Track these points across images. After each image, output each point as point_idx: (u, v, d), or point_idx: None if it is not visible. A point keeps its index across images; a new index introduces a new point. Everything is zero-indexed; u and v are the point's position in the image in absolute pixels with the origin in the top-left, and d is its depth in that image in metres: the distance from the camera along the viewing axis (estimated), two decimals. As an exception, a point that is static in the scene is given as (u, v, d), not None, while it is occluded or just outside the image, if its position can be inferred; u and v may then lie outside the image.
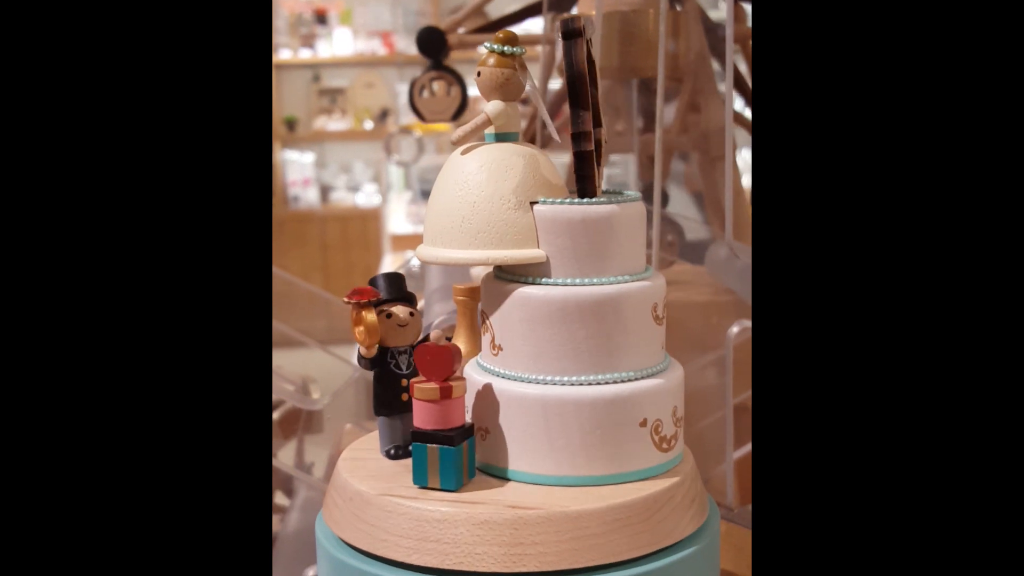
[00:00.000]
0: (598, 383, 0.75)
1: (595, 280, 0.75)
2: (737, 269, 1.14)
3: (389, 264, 4.19)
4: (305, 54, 5.74)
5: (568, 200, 0.76)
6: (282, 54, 5.69)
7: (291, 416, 1.47)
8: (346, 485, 0.78)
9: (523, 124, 1.37)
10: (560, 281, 0.75)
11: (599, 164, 0.78)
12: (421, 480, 0.75)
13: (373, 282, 0.82)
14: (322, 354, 1.51)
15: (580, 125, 0.75)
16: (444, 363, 0.74)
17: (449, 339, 0.83)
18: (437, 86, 1.56)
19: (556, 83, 1.62)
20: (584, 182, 0.76)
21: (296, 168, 5.70)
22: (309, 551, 0.96)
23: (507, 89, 0.78)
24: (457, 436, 0.74)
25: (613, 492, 0.73)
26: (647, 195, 1.60)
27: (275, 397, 1.42)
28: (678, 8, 1.43)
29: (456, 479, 0.74)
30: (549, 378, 0.75)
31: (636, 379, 0.75)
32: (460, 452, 0.74)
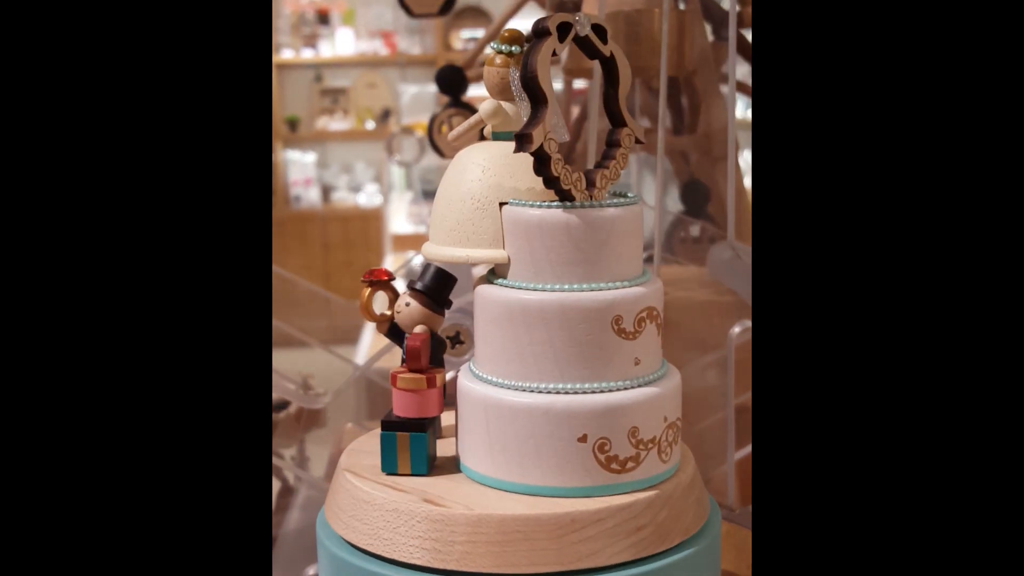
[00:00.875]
0: (536, 391, 0.73)
1: (547, 286, 0.73)
2: (739, 270, 1.14)
3: (390, 264, 4.19)
4: (307, 54, 5.74)
5: (530, 202, 0.74)
6: (284, 54, 5.69)
7: (294, 414, 1.47)
8: (340, 461, 0.81)
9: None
10: (514, 284, 0.74)
11: (605, 166, 0.76)
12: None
13: (423, 269, 0.83)
14: (323, 353, 1.51)
15: (525, 126, 0.73)
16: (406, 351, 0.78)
17: (450, 338, 0.84)
18: (456, 122, 1.56)
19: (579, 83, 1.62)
20: (548, 184, 0.74)
21: (298, 168, 5.70)
22: (309, 550, 0.96)
23: (504, 88, 0.78)
24: (393, 424, 0.77)
25: (532, 504, 0.72)
26: (687, 193, 1.61)
27: (278, 396, 1.42)
28: (682, 7, 1.43)
29: (389, 464, 0.78)
30: (496, 380, 0.75)
31: (578, 392, 0.73)
32: (392, 439, 0.77)
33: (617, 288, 0.74)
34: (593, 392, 0.73)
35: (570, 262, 0.73)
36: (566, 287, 0.73)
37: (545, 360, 0.73)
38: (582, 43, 0.76)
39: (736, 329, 1.04)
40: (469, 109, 1.57)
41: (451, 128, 1.55)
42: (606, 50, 0.76)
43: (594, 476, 0.73)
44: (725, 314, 1.34)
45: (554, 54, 0.74)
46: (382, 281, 0.82)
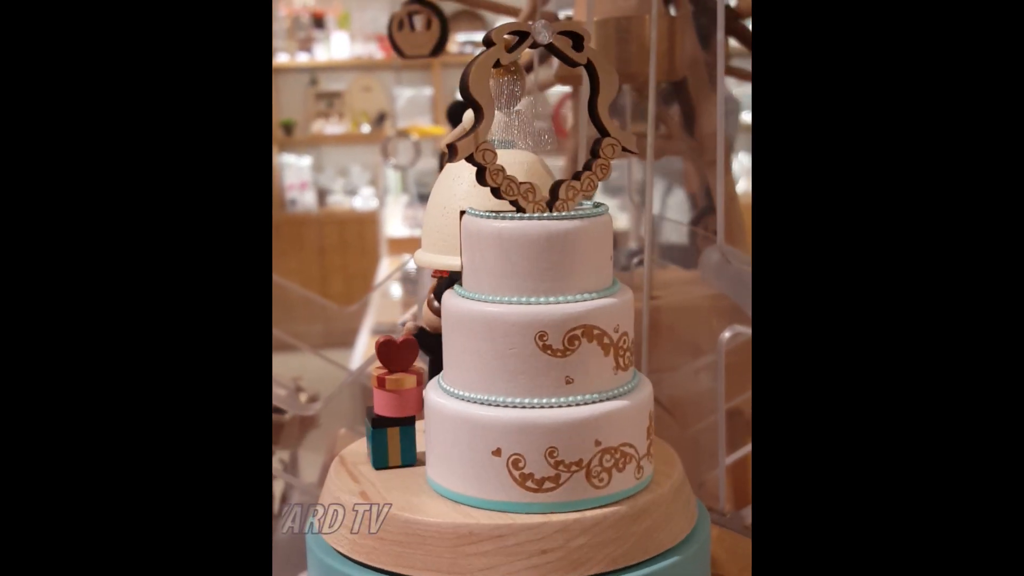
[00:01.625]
0: (462, 399, 0.74)
1: (484, 296, 0.73)
2: (730, 274, 1.14)
3: (387, 268, 4.19)
4: (302, 58, 5.74)
5: (482, 212, 0.74)
6: (279, 58, 5.68)
7: (284, 421, 1.47)
8: (347, 448, 0.87)
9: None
10: (460, 292, 0.75)
11: (577, 177, 0.75)
12: None
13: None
14: (316, 359, 1.51)
15: (459, 136, 0.72)
16: None
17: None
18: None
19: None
20: (494, 195, 0.73)
21: (293, 172, 5.70)
22: (301, 556, 0.96)
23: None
24: (370, 416, 0.82)
25: (440, 511, 0.73)
26: (706, 191, 1.61)
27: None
28: (672, 13, 1.43)
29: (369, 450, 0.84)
30: (443, 385, 0.77)
31: (497, 405, 0.72)
32: (368, 429, 0.83)
33: (542, 303, 0.72)
34: (511, 407, 0.72)
35: (503, 274, 0.72)
36: (497, 299, 0.72)
37: (473, 370, 0.73)
38: (554, 51, 0.75)
39: (727, 334, 1.05)
40: None
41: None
42: (581, 57, 0.74)
43: (508, 492, 0.72)
44: (720, 317, 1.34)
45: (498, 64, 0.73)
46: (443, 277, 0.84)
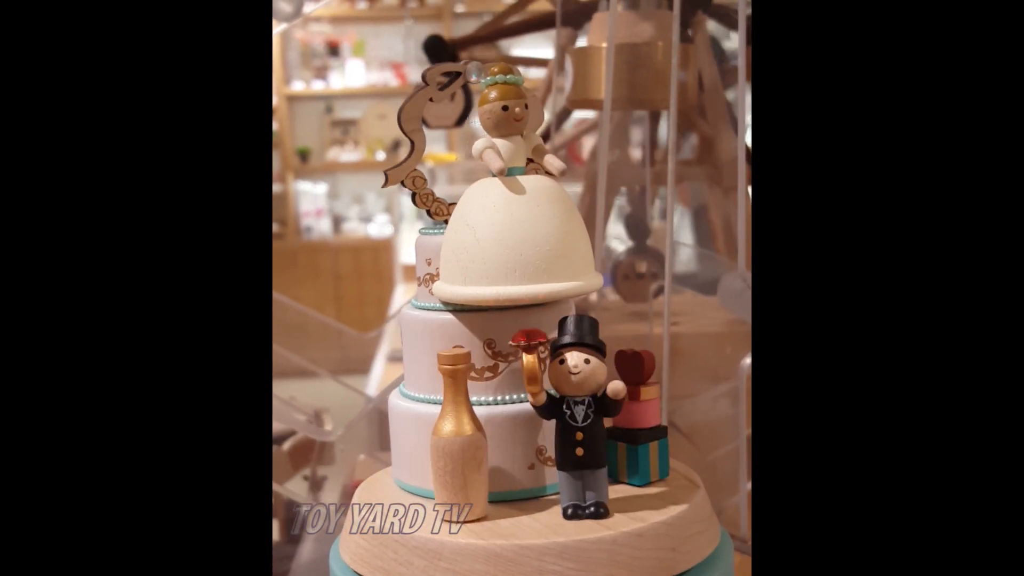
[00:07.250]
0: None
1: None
2: (750, 300, 1.14)
3: (402, 294, 4.19)
4: (318, 86, 5.77)
5: (425, 229, 0.83)
6: (295, 86, 5.72)
7: (303, 447, 1.47)
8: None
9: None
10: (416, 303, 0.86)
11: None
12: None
13: (560, 324, 0.75)
14: (335, 384, 1.51)
15: (395, 166, 0.81)
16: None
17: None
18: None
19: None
20: (429, 215, 0.83)
21: (309, 199, 5.72)
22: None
23: (499, 123, 0.81)
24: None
25: None
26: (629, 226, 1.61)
27: (287, 427, 1.42)
28: (689, 32, 1.43)
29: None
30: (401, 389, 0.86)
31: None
32: (613, 447, 0.81)
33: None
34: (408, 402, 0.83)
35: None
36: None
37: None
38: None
39: (747, 360, 1.04)
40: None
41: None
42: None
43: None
44: (737, 344, 1.34)
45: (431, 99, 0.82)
46: (535, 343, 0.74)
